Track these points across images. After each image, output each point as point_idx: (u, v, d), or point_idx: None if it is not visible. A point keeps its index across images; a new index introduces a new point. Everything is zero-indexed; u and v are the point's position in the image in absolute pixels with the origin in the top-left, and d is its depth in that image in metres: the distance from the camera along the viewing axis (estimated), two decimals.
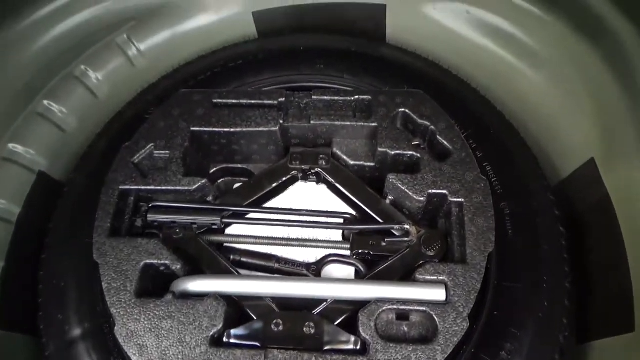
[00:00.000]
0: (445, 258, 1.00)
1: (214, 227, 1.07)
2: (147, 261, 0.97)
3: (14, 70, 1.27)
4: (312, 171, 1.13)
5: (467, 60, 1.41)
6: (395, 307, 0.91)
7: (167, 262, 0.97)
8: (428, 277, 0.94)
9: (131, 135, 1.11)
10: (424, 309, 0.91)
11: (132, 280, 0.95)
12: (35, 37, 1.30)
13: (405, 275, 0.99)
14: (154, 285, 0.99)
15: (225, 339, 0.92)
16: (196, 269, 1.02)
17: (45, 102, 1.33)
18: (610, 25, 1.14)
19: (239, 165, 1.22)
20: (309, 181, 1.16)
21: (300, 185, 1.16)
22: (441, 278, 0.93)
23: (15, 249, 1.19)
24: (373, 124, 1.09)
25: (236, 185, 1.22)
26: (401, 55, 1.39)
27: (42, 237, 1.17)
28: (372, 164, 1.12)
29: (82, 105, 1.38)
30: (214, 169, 1.22)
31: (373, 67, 1.32)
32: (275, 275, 1.08)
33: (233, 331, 0.92)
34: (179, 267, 0.98)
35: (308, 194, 1.16)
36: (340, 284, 0.96)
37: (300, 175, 1.14)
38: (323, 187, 1.16)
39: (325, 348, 0.91)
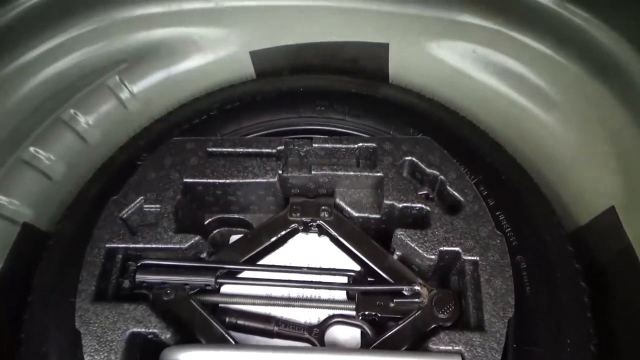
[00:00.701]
0: (458, 321, 0.93)
1: (207, 287, 0.99)
2: (134, 330, 0.89)
3: None
4: (314, 223, 1.06)
5: (474, 101, 1.36)
6: None
7: (155, 330, 0.90)
8: (442, 347, 0.86)
9: (123, 183, 1.05)
10: None
11: (117, 352, 0.87)
12: (22, 80, 1.26)
13: (416, 341, 0.91)
14: (142, 355, 0.91)
15: None
16: (188, 335, 0.94)
17: (32, 148, 1.26)
18: (626, 66, 1.09)
19: (236, 216, 1.16)
20: (311, 232, 1.09)
21: (301, 236, 1.09)
22: (457, 348, 0.86)
23: None
24: (378, 174, 1.03)
25: (233, 238, 1.15)
26: (405, 96, 1.34)
27: (25, 294, 1.08)
28: (378, 216, 1.05)
29: (71, 152, 1.32)
30: (209, 220, 1.16)
31: (376, 109, 1.27)
32: (274, 344, 1.00)
33: None
34: (168, 336, 0.90)
35: (309, 246, 1.10)
36: (346, 355, 0.87)
37: (300, 227, 1.07)
38: (325, 239, 1.09)
39: None
